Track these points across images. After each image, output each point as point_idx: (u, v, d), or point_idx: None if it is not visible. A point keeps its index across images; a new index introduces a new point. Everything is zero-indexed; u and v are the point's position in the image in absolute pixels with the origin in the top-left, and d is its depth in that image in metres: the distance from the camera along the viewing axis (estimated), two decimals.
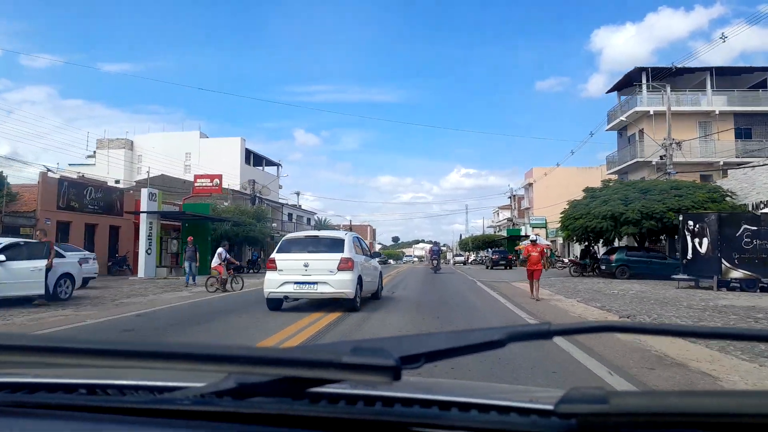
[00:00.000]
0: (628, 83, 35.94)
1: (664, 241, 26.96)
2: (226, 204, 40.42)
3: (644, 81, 33.93)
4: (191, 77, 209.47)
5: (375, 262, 14.17)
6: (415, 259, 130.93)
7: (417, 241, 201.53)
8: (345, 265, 10.53)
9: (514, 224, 63.62)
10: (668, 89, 28.72)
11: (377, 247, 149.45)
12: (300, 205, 66.50)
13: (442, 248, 72.42)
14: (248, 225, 31.28)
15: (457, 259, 70.90)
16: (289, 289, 10.60)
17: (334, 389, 0.87)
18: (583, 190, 28.33)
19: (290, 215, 54.59)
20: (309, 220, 61.04)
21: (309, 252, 10.94)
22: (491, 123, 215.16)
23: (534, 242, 13.95)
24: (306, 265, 10.55)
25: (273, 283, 10.72)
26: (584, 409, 0.73)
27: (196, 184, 29.94)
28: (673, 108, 32.66)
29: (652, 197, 23.04)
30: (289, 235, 12.53)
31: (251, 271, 33.36)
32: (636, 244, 25.94)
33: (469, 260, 73.33)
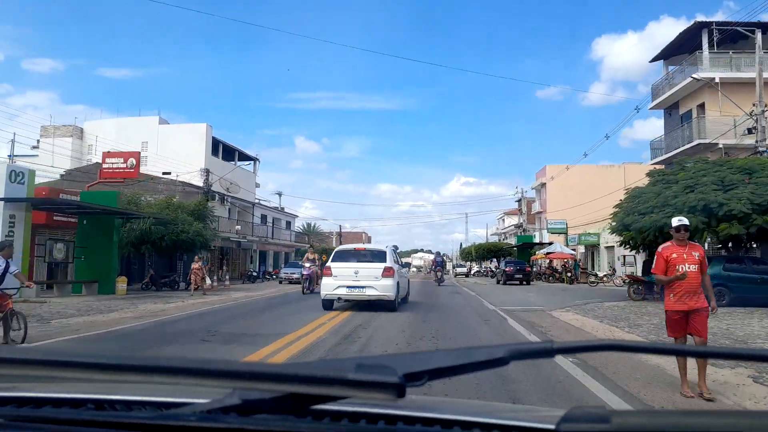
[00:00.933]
0: (681, 47, 28.05)
1: (753, 247, 18.94)
2: (175, 199, 32.49)
3: (705, 42, 26.07)
4: (191, 84, 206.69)
5: (405, 271, 17.40)
6: (414, 269, 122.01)
7: (416, 251, 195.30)
8: (388, 273, 13.22)
9: (524, 230, 55.73)
10: (759, 35, 20.79)
11: None
12: (282, 207, 58.60)
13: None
14: (176, 224, 23.05)
15: (459, 270, 62.94)
16: (342, 291, 13.27)
17: (337, 407, 0.87)
18: (630, 192, 20.25)
19: (264, 217, 46.50)
20: (290, 224, 53.03)
21: (358, 261, 13.53)
22: (491, 132, 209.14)
23: (683, 240, 5.59)
24: (356, 273, 13.17)
25: (329, 286, 13.33)
26: (586, 428, 0.74)
27: (104, 166, 21.77)
28: (740, 74, 24.76)
29: (762, 180, 15.02)
30: (339, 248, 15.16)
31: (161, 287, 24.80)
32: (723, 251, 17.95)
33: (472, 272, 65.26)
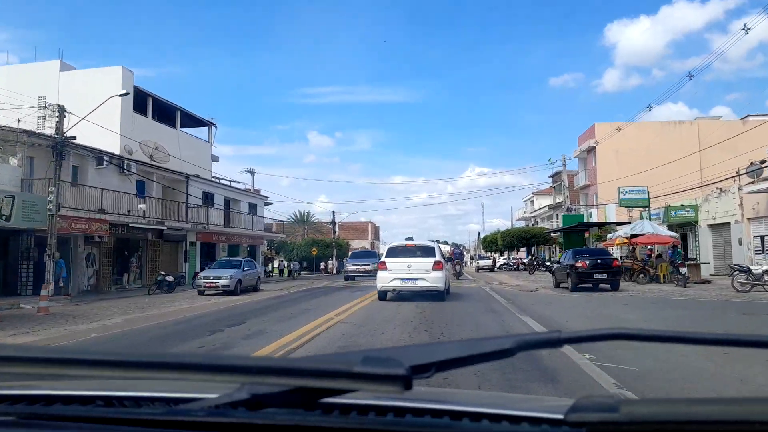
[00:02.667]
0: None
1: None
2: (15, 160, 19.71)
3: None
4: (202, 80, 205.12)
5: (449, 265, 20.88)
6: None
7: (431, 242, 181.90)
8: (437, 266, 14.52)
9: (569, 210, 42.28)
10: None
11: (381, 248, 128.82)
12: (254, 189, 45.67)
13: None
14: None
15: (482, 263, 49.61)
16: (397, 284, 14.57)
17: (345, 400, 0.87)
18: None
19: (209, 196, 33.38)
20: (254, 207, 39.89)
21: (410, 256, 14.79)
22: (503, 121, 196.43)
23: None
24: (409, 266, 14.44)
25: (385, 279, 14.70)
26: (594, 417, 0.74)
27: None
28: None
29: None
30: (392, 244, 16.68)
31: None
32: None
33: (497, 264, 51.88)
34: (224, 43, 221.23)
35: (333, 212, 58.94)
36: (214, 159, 41.03)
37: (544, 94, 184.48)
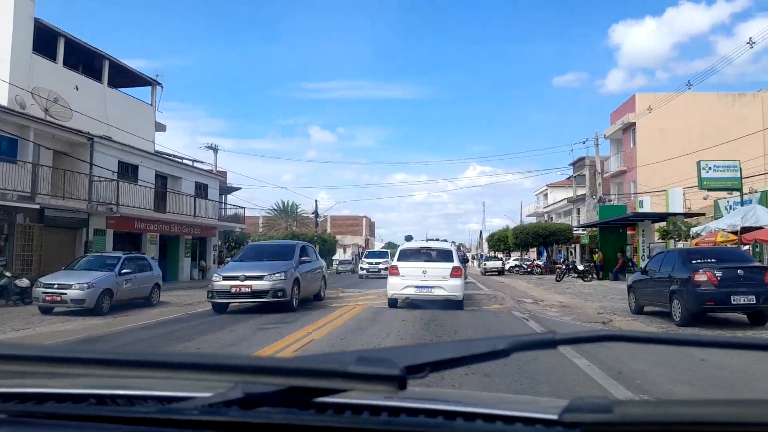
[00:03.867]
0: None
1: None
2: None
3: None
4: (205, 73, 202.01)
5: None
6: None
7: (430, 240, 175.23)
8: (456, 273, 12.86)
9: (601, 201, 33.97)
10: None
11: (377, 246, 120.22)
12: (216, 171, 37.40)
13: (447, 244, 43.42)
14: None
15: (490, 265, 41.29)
16: (411, 291, 12.87)
17: (339, 399, 0.87)
18: None
19: (130, 168, 24.66)
20: (204, 188, 31.28)
21: (425, 261, 13.09)
22: (507, 120, 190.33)
23: None
24: (424, 272, 12.77)
25: (396, 286, 12.98)
26: (589, 418, 0.74)
27: None
28: None
29: None
30: (405, 246, 14.63)
31: None
32: None
33: (507, 266, 43.55)
34: (225, 35, 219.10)
35: (315, 201, 50.36)
36: (159, 128, 32.57)
37: (547, 94, 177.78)
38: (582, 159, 46.42)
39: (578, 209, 48.26)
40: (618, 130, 37.55)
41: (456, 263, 13.15)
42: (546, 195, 61.01)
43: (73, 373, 0.83)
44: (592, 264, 28.70)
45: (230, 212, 39.00)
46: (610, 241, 28.49)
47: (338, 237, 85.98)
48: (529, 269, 41.52)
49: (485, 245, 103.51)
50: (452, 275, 12.77)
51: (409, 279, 12.85)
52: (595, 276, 27.62)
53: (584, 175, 44.32)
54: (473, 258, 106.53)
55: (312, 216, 69.56)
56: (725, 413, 0.72)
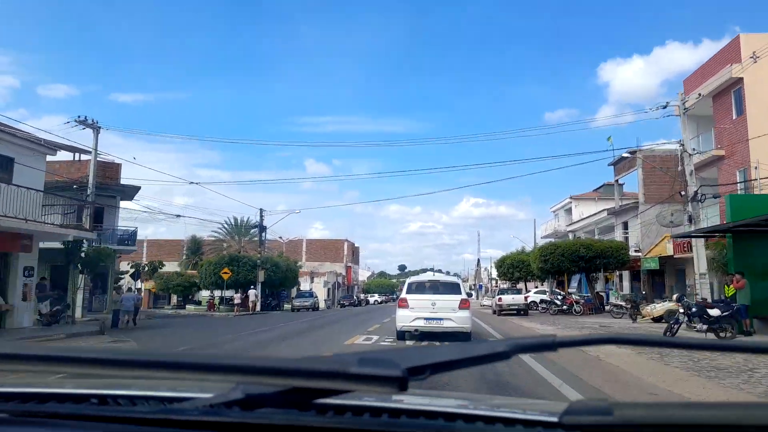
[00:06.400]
0: None
1: None
2: None
3: None
4: (203, 110, 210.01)
5: None
6: None
7: (425, 270, 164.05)
8: (464, 305, 13.25)
9: (695, 198, 20.75)
10: None
11: (363, 275, 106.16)
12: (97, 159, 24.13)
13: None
14: None
15: (507, 299, 27.86)
16: (420, 323, 12.90)
17: (340, 401, 0.87)
18: None
19: None
20: (10, 163, 17.61)
21: (433, 293, 13.38)
22: (499, 154, 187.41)
23: None
24: (433, 304, 13.00)
25: (405, 318, 13.08)
26: (588, 420, 0.75)
27: None
28: None
29: None
30: (412, 279, 15.17)
31: None
32: None
33: (530, 303, 29.98)
34: (223, 71, 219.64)
35: (260, 211, 36.76)
36: None
37: (539, 127, 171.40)
38: (632, 153, 33.32)
39: (625, 223, 34.96)
40: (706, 98, 24.32)
41: (464, 296, 13.72)
42: (570, 210, 47.69)
43: (75, 373, 0.81)
44: (725, 301, 14.97)
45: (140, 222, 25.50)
46: (755, 254, 15.02)
47: (315, 264, 72.41)
48: (566, 306, 27.95)
49: (484, 274, 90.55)
50: (460, 307, 13.23)
51: (418, 311, 13.11)
52: (732, 327, 13.99)
53: (630, 174, 31.04)
54: (471, 289, 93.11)
55: (279, 239, 55.87)
56: (724, 416, 0.72)
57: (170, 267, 56.37)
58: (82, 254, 19.33)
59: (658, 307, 21.21)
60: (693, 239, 20.32)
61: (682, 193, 21.62)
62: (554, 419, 0.82)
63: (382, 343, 12.29)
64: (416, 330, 13.09)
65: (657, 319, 21.02)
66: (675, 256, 25.87)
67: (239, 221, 48.02)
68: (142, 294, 68.46)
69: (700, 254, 19.92)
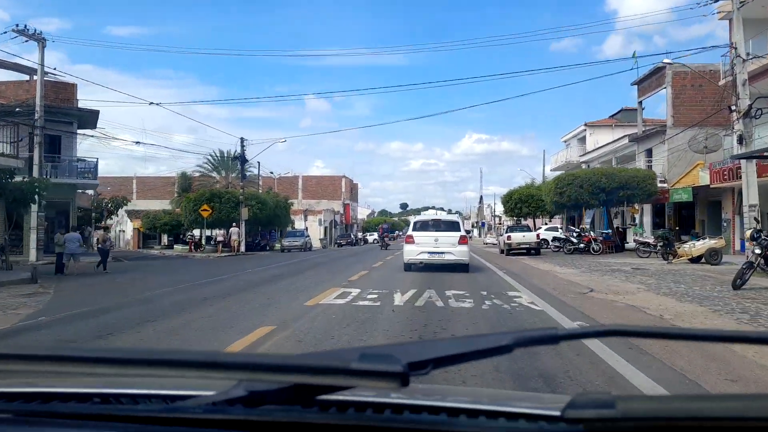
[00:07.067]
0: None
1: None
2: None
3: None
4: (202, 41, 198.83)
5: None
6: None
7: (426, 208, 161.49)
8: (463, 241, 15.41)
9: (748, 115, 17.22)
10: None
11: (362, 213, 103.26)
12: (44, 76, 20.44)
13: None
14: None
15: (517, 237, 24.77)
16: (425, 257, 15.16)
17: (342, 396, 0.87)
18: None
19: None
20: None
21: (436, 230, 15.57)
22: (504, 87, 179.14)
23: None
24: (436, 240, 15.22)
25: (412, 252, 15.32)
26: (591, 414, 0.75)
27: None
28: None
29: None
30: (417, 218, 17.88)
31: None
32: None
33: (541, 241, 26.85)
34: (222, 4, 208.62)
35: (241, 140, 33.13)
36: None
37: (545, 59, 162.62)
38: (660, 69, 29.22)
39: (648, 151, 31.30)
40: None
41: (462, 232, 15.78)
42: (583, 139, 43.83)
43: (78, 371, 0.83)
44: None
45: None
46: None
47: (311, 202, 69.27)
48: (582, 245, 24.82)
49: (487, 211, 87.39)
50: (460, 243, 15.25)
51: (423, 246, 15.17)
52: None
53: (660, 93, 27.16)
54: (473, 226, 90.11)
55: (271, 174, 52.34)
56: (729, 408, 0.72)
57: (162, 205, 53.47)
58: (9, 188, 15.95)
59: (699, 245, 17.96)
60: (743, 163, 16.86)
61: (733, 107, 17.93)
62: (557, 413, 0.81)
63: (360, 303, 8.90)
64: (421, 262, 15.27)
65: (695, 260, 17.88)
66: (712, 186, 22.43)
67: (224, 154, 44.39)
68: (116, 233, 65.70)
69: (750, 181, 16.48)
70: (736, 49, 17.69)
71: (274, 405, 0.83)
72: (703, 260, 17.66)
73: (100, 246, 19.96)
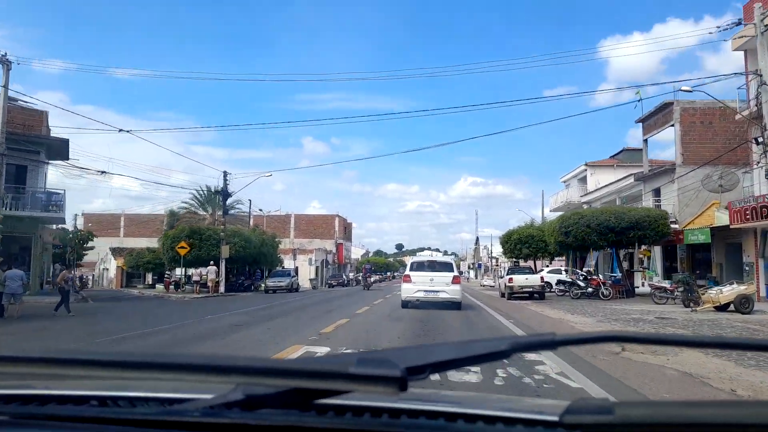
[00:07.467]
0: None
1: None
2: None
3: None
4: (202, 84, 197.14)
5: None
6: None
7: (422, 249, 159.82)
8: (456, 280, 16.69)
9: None
10: None
11: (356, 253, 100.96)
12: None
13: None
14: None
15: (519, 280, 22.74)
16: (420, 295, 16.38)
17: (340, 401, 0.87)
18: None
19: None
20: None
21: (431, 271, 16.89)
22: (501, 123, 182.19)
23: None
24: (431, 279, 16.43)
25: (409, 290, 16.57)
26: (589, 419, 0.75)
27: None
28: None
29: None
30: (414, 259, 19.83)
31: None
32: None
33: (547, 285, 24.80)
34: (223, 48, 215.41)
35: (224, 173, 31.32)
36: None
37: (538, 106, 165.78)
38: (667, 106, 27.79)
39: (656, 191, 29.57)
40: None
41: (455, 273, 17.08)
42: (584, 179, 42.25)
43: (76, 374, 0.82)
44: None
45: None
46: None
47: (303, 241, 67.13)
48: (590, 290, 22.74)
49: (483, 253, 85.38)
50: (453, 282, 16.50)
51: (419, 285, 16.45)
52: None
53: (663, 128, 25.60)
54: (470, 268, 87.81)
55: (260, 211, 50.25)
56: (727, 415, 0.71)
57: (150, 243, 51.22)
58: None
59: (727, 291, 15.92)
60: None
61: (760, 139, 16.25)
62: (555, 418, 0.81)
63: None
64: (417, 300, 16.43)
65: (721, 307, 15.82)
66: (732, 227, 20.57)
67: (212, 190, 42.48)
68: (99, 271, 62.63)
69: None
70: (761, 76, 16.13)
71: (271, 409, 0.82)
72: (731, 308, 15.62)
73: (60, 286, 17.83)
